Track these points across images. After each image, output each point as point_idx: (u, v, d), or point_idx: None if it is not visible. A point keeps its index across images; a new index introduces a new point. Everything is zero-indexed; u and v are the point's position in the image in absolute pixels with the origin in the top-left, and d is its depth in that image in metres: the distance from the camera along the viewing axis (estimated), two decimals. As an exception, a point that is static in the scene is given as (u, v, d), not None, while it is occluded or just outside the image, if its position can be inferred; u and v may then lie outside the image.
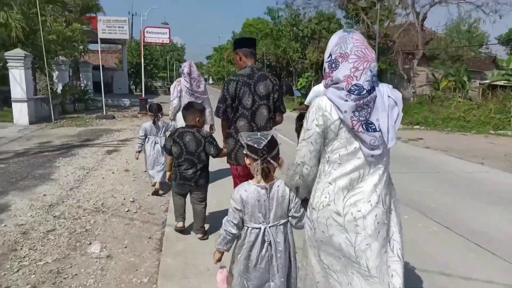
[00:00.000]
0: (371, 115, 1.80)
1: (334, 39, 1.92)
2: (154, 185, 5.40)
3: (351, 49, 1.83)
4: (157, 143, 5.42)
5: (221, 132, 3.60)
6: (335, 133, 1.86)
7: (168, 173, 4.10)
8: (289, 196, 2.16)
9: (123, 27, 17.51)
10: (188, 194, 3.93)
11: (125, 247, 3.76)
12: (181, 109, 4.20)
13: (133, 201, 5.12)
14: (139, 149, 5.52)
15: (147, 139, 5.47)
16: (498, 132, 13.86)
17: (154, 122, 5.40)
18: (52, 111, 13.19)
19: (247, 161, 2.12)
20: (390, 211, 1.96)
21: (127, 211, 4.73)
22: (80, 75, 21.64)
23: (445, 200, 5.41)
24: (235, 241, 2.23)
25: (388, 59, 27.42)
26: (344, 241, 1.88)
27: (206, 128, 4.55)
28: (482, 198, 5.54)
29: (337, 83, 1.82)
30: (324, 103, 1.86)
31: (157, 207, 4.94)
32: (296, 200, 2.18)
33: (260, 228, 2.13)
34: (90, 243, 3.80)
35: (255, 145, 2.01)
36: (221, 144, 3.78)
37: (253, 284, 2.18)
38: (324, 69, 1.94)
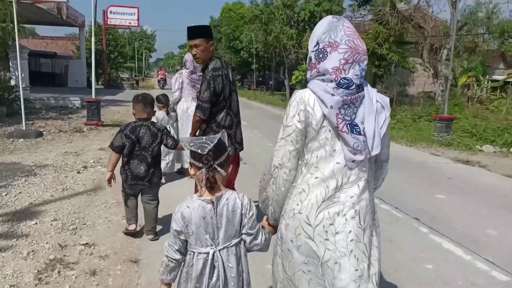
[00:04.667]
0: (356, 116, 1.66)
1: (321, 25, 1.72)
2: None
3: (341, 37, 1.66)
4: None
5: (192, 129, 3.56)
6: (316, 132, 1.68)
7: (108, 173, 3.52)
8: (241, 209, 1.81)
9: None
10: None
11: None
12: (135, 100, 3.67)
13: None
14: None
15: None
16: None
17: (168, 113, 5.61)
18: None
19: (192, 171, 1.80)
20: (371, 231, 1.75)
21: None
22: (10, 64, 15.53)
23: None
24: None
25: (399, 50, 22.81)
26: (311, 255, 1.70)
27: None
28: None
29: (323, 74, 1.67)
30: (307, 97, 1.69)
31: None
32: (251, 213, 1.84)
33: (208, 253, 1.76)
34: None
35: (199, 150, 1.72)
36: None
37: None
38: (310, 58, 1.73)
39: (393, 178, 6.56)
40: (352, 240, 1.66)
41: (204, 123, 3.42)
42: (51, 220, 4.08)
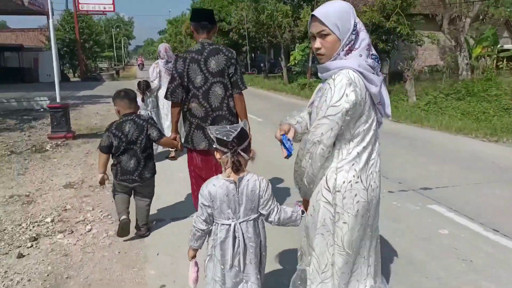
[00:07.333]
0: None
1: (349, 9, 1.85)
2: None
3: (358, 22, 1.85)
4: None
5: (171, 119, 3.50)
6: (361, 108, 1.83)
7: (100, 175, 3.46)
8: (259, 191, 2.04)
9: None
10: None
11: None
12: (117, 97, 3.60)
13: None
14: None
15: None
16: None
17: (143, 100, 5.88)
18: None
19: (217, 155, 2.02)
20: None
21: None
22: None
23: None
24: (207, 238, 2.13)
25: (408, 23, 20.42)
26: (366, 215, 1.92)
27: None
28: None
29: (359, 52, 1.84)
30: (353, 77, 1.79)
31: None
32: (266, 196, 2.06)
33: (230, 224, 2.03)
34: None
35: (224, 138, 1.94)
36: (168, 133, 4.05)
37: None
38: (351, 39, 1.84)
39: None
40: (378, 187, 1.98)
41: (182, 110, 3.32)
42: None
